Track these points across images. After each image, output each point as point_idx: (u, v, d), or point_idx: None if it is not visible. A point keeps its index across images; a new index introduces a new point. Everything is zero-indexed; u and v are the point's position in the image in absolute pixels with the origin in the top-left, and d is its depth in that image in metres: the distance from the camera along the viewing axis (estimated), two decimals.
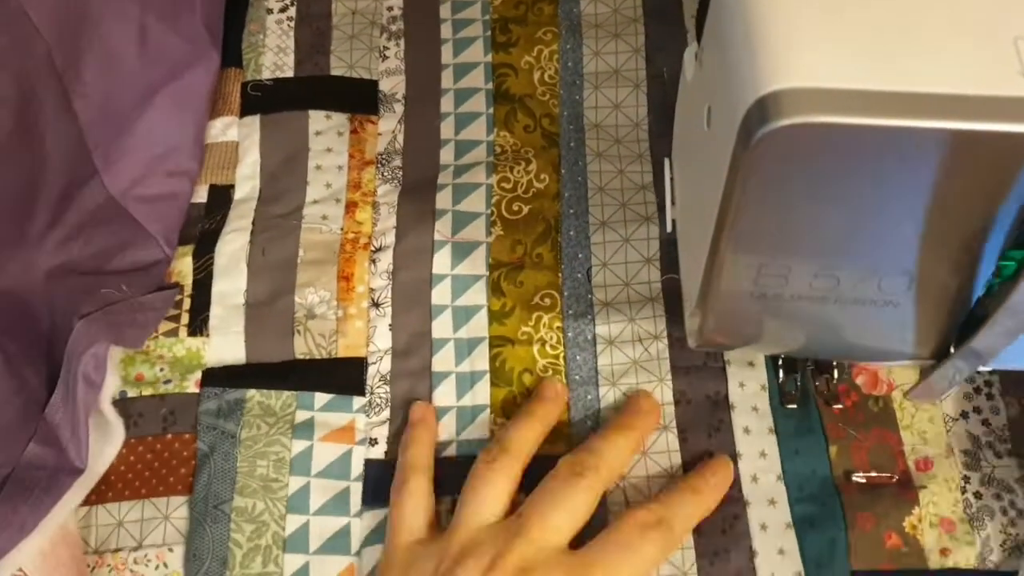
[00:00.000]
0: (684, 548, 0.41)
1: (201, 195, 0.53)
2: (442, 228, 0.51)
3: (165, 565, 0.42)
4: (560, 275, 0.49)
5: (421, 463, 0.41)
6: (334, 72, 0.56)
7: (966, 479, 0.42)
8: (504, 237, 0.50)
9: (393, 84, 0.56)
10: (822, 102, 0.24)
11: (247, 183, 0.52)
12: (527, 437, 0.41)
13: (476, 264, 0.49)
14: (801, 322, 0.35)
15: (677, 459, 0.43)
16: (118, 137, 0.50)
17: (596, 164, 0.52)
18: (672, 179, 0.44)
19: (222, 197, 0.52)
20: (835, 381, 0.43)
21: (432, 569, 0.36)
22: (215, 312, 0.48)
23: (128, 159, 0.50)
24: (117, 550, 0.42)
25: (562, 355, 0.46)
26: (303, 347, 0.47)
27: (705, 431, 0.44)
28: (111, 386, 0.44)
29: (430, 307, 0.48)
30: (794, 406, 0.43)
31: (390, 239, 0.51)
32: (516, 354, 0.47)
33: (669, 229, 0.43)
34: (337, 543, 0.42)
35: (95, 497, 0.43)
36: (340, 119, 0.54)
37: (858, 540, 0.41)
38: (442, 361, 0.47)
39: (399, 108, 0.55)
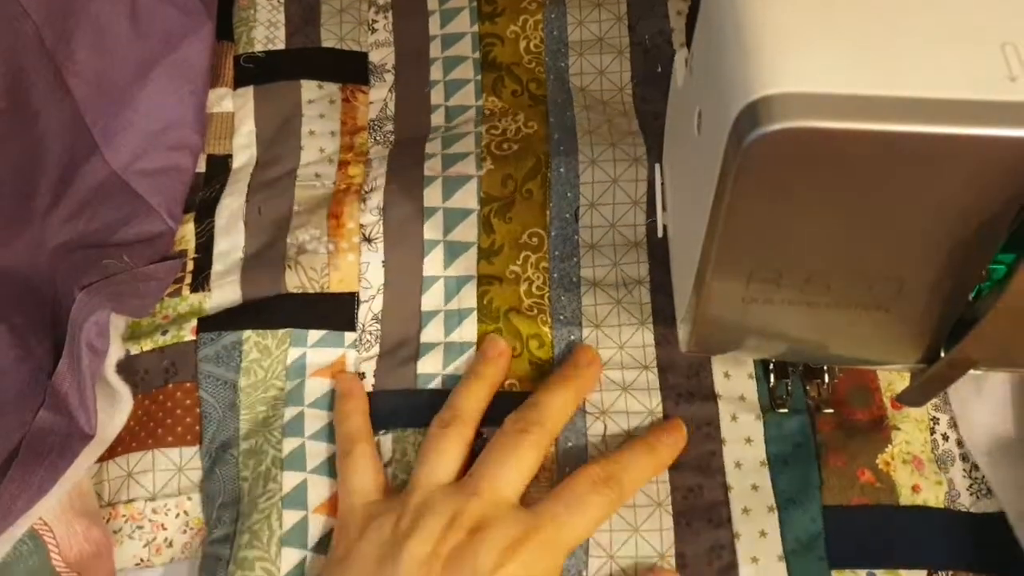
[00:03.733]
0: (659, 482, 0.41)
1: (200, 165, 0.52)
2: (433, 166, 0.50)
3: (185, 513, 0.43)
4: (548, 213, 0.48)
5: (361, 432, 0.42)
6: (325, 45, 0.56)
7: (935, 420, 0.42)
8: (495, 171, 0.49)
9: (382, 55, 0.56)
10: (812, 107, 0.24)
11: (244, 152, 0.53)
12: (477, 397, 0.42)
13: (467, 198, 0.49)
14: (792, 327, 0.34)
15: (657, 397, 0.43)
16: (117, 112, 0.49)
17: (584, 115, 0.51)
18: (663, 184, 0.43)
19: (220, 166, 0.53)
20: (825, 385, 0.43)
21: (391, 527, 0.37)
22: (216, 269, 0.48)
23: (128, 134, 0.49)
24: (131, 500, 0.43)
25: (547, 295, 0.46)
26: (295, 281, 0.47)
27: (685, 373, 0.44)
28: (115, 354, 0.44)
29: (422, 242, 0.48)
30: (784, 410, 0.43)
31: (380, 182, 0.50)
32: (503, 293, 0.46)
33: (660, 234, 0.43)
34: (331, 467, 0.42)
35: (105, 453, 0.43)
36: (332, 88, 0.54)
37: (831, 476, 0.41)
38: (431, 299, 0.47)
39: (389, 78, 0.55)
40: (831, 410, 0.42)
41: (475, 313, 0.46)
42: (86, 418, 0.41)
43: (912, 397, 0.36)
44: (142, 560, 0.42)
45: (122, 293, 0.44)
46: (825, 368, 0.43)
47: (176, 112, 0.51)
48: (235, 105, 0.54)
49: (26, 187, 0.46)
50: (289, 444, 0.43)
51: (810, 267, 0.30)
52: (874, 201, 0.26)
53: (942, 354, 0.33)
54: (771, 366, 0.43)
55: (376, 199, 0.49)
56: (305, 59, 0.55)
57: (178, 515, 0.43)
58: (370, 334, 0.47)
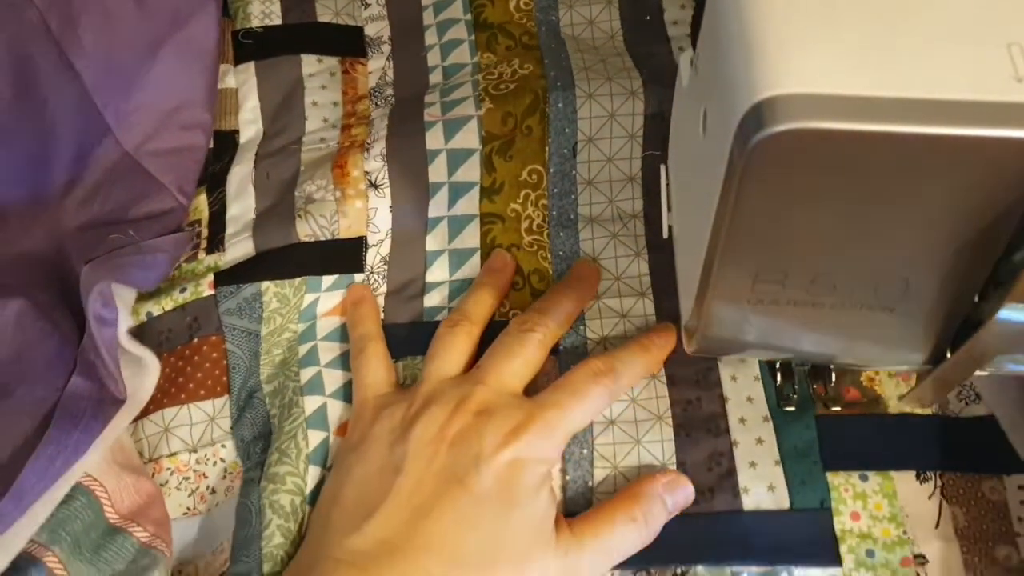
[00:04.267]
0: (659, 397, 0.42)
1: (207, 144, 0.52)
2: (432, 112, 0.50)
3: (222, 460, 0.43)
4: (547, 150, 0.48)
5: (373, 332, 0.44)
6: (320, 20, 0.55)
7: None
8: (494, 110, 0.49)
9: (378, 28, 0.55)
10: (818, 108, 0.23)
11: (250, 127, 0.53)
12: (482, 303, 0.44)
13: (469, 138, 0.48)
14: (798, 327, 0.33)
15: (651, 307, 0.45)
16: (127, 94, 0.48)
17: (579, 56, 0.51)
18: (668, 185, 0.42)
19: (228, 142, 0.52)
20: (832, 384, 0.42)
21: (401, 414, 0.39)
22: (229, 231, 0.48)
23: (140, 115, 0.48)
24: (173, 454, 0.43)
25: (546, 232, 0.47)
26: (307, 230, 0.47)
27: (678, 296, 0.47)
28: (125, 323, 0.44)
29: (427, 185, 0.48)
30: (792, 408, 0.42)
31: (383, 133, 0.50)
32: (504, 231, 0.47)
33: (666, 235, 0.42)
34: (348, 392, 0.43)
35: (140, 413, 0.44)
36: (331, 62, 0.54)
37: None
38: (435, 240, 0.48)
39: (386, 48, 0.55)
40: (838, 408, 0.42)
41: (478, 252, 0.47)
42: (115, 384, 0.42)
43: (918, 398, 0.36)
44: (189, 509, 0.43)
45: (125, 265, 0.43)
46: (831, 368, 0.42)
47: (187, 91, 0.50)
48: (237, 81, 0.53)
49: (41, 173, 0.46)
50: (306, 374, 0.44)
51: (815, 268, 0.29)
52: (879, 202, 0.26)
53: (948, 355, 0.32)
54: (777, 366, 0.42)
55: (379, 147, 0.49)
56: (303, 34, 0.55)
57: (215, 463, 0.44)
58: (378, 275, 0.47)
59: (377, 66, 0.54)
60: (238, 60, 0.54)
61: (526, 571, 0.36)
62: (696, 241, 0.32)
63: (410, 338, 0.45)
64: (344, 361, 0.45)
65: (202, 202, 0.50)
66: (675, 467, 0.41)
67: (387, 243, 0.48)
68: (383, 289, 0.47)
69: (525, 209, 0.48)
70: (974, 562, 0.39)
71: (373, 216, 0.48)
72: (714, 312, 0.33)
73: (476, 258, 0.47)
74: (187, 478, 0.43)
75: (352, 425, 0.42)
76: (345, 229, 0.48)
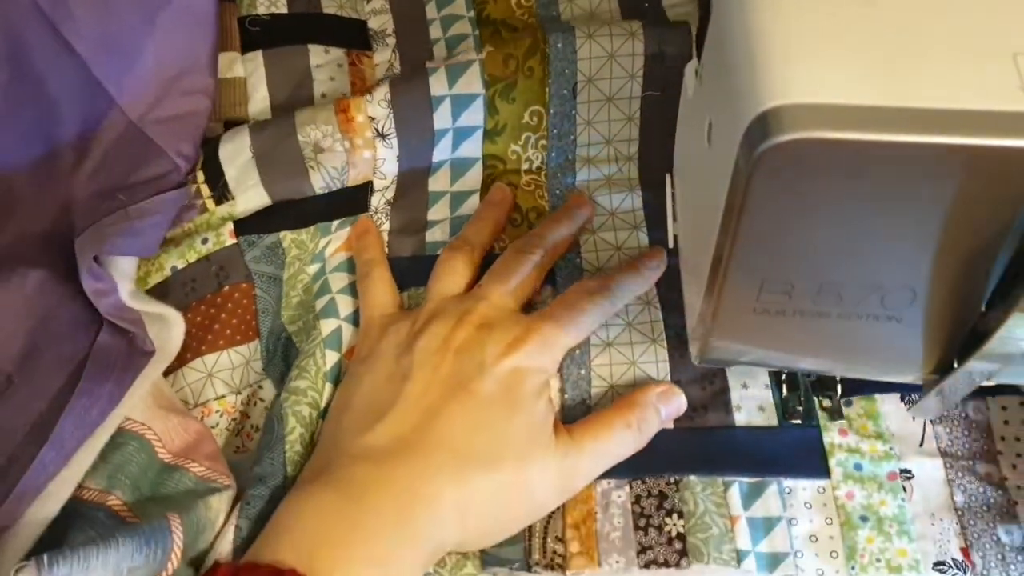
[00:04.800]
0: (653, 321, 0.44)
1: (219, 132, 0.50)
2: (435, 63, 0.49)
3: (261, 400, 0.44)
4: (548, 91, 0.48)
5: (378, 258, 0.45)
6: (326, 11, 0.53)
7: None
8: (495, 53, 0.48)
9: (381, 22, 0.53)
10: (823, 117, 0.22)
11: (261, 117, 0.51)
12: (482, 230, 0.46)
13: (472, 82, 0.48)
14: (804, 338, 0.32)
15: (645, 239, 0.46)
16: (128, 64, 0.47)
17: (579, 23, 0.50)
18: (673, 195, 0.41)
19: None
20: (838, 396, 0.42)
21: (407, 330, 0.41)
22: (230, 174, 0.47)
23: (142, 84, 0.47)
24: (220, 397, 0.44)
25: (544, 173, 0.48)
26: (320, 182, 0.47)
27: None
28: (126, 289, 0.43)
29: (433, 132, 0.48)
30: (798, 422, 0.41)
31: (384, 83, 0.49)
32: (505, 172, 0.48)
33: (671, 245, 0.41)
34: (359, 317, 0.44)
35: (177, 363, 0.44)
36: (338, 53, 0.52)
37: None
38: (438, 182, 0.48)
39: (391, 41, 0.53)
40: (843, 421, 0.42)
41: (478, 193, 0.48)
42: (142, 338, 0.43)
43: (926, 409, 0.36)
44: (238, 448, 0.44)
45: (111, 236, 0.42)
46: (838, 379, 0.41)
47: (188, 57, 0.48)
48: (246, 70, 0.51)
49: (48, 149, 0.45)
50: (321, 302, 0.45)
51: (821, 277, 0.29)
52: (885, 211, 0.25)
53: (955, 365, 0.31)
54: (783, 377, 0.41)
55: (382, 92, 0.48)
56: (310, 24, 0.53)
57: (256, 403, 0.44)
58: (382, 214, 0.48)
59: (383, 59, 0.53)
60: (245, 48, 0.52)
61: (528, 467, 0.37)
62: (701, 251, 0.31)
63: (412, 269, 0.46)
64: (354, 289, 0.45)
65: (199, 166, 0.49)
66: (660, 305, 0.44)
67: (392, 188, 0.49)
68: (386, 227, 0.48)
69: (525, 151, 0.48)
70: (957, 478, 0.40)
71: (380, 166, 0.48)
72: (719, 322, 0.32)
73: (476, 198, 0.48)
74: (234, 419, 0.44)
75: (360, 342, 0.43)
76: (353, 179, 0.48)
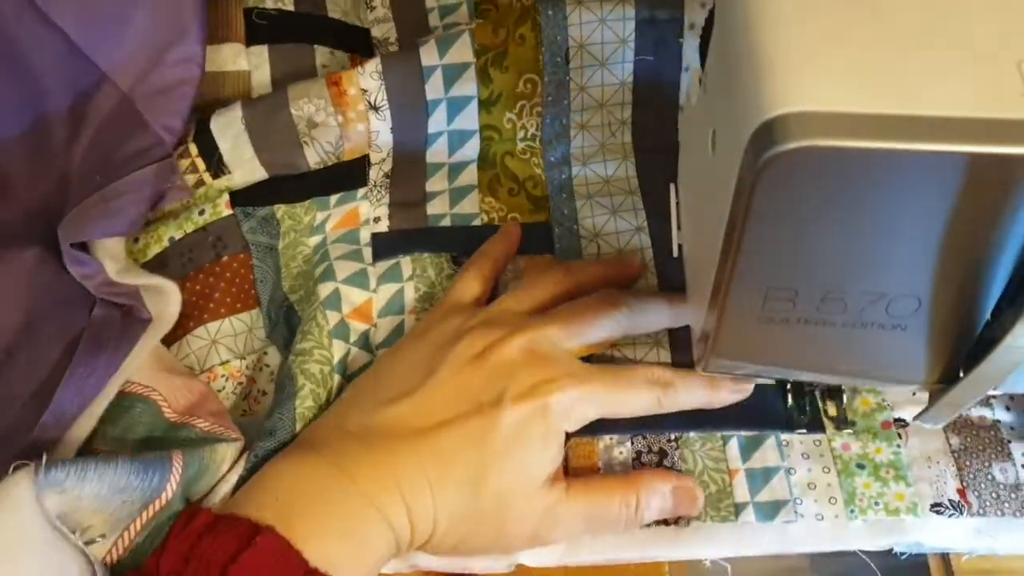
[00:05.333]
0: (638, 209, 0.46)
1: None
2: (426, 38, 0.47)
3: (267, 365, 0.44)
4: (541, 59, 0.47)
5: (489, 252, 0.44)
6: (331, 15, 0.52)
7: None
8: (485, 23, 0.47)
9: (384, 31, 0.52)
10: (827, 126, 0.22)
11: None
12: (498, 251, 0.44)
13: (463, 52, 0.47)
14: (809, 346, 0.31)
15: (642, 215, 0.46)
16: (115, 36, 0.45)
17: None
18: (678, 204, 0.40)
19: None
20: (844, 404, 0.41)
21: (459, 323, 0.40)
22: (223, 147, 0.46)
23: (130, 54, 0.45)
24: (224, 362, 0.44)
25: (540, 139, 0.48)
26: (315, 157, 0.47)
27: (664, 195, 0.44)
28: (114, 268, 0.42)
29: (425, 102, 0.48)
30: (803, 430, 0.41)
31: (376, 58, 0.48)
32: (500, 142, 0.48)
33: (676, 254, 0.40)
34: (357, 280, 0.44)
35: (180, 332, 0.44)
36: (342, 57, 0.51)
37: None
38: (436, 153, 0.48)
39: (394, 49, 0.52)
40: (850, 430, 0.41)
41: (475, 163, 0.48)
42: (138, 309, 0.42)
43: (933, 418, 0.36)
44: (245, 411, 0.43)
45: (87, 221, 0.41)
46: (843, 387, 0.40)
47: (176, 26, 0.46)
48: (251, 64, 0.50)
49: (39, 126, 0.43)
50: (320, 269, 0.45)
51: (826, 286, 0.28)
52: (890, 219, 0.24)
53: (961, 374, 0.31)
54: (788, 385, 0.40)
55: (373, 64, 0.47)
56: (316, 25, 0.51)
57: (262, 368, 0.44)
58: (381, 187, 0.47)
59: None
60: (250, 41, 0.50)
61: (507, 507, 0.36)
62: (706, 260, 0.30)
63: (416, 239, 0.46)
64: (352, 256, 0.45)
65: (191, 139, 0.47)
66: (647, 230, 0.45)
67: (388, 161, 0.48)
68: (386, 199, 0.47)
69: (520, 119, 0.48)
70: (952, 423, 0.40)
71: (375, 139, 0.48)
72: (724, 330, 0.31)
73: (473, 167, 0.48)
74: (240, 383, 0.44)
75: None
76: (349, 153, 0.48)
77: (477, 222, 0.46)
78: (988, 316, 0.28)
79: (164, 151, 0.45)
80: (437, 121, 0.48)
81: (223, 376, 0.45)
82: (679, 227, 0.39)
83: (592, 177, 0.48)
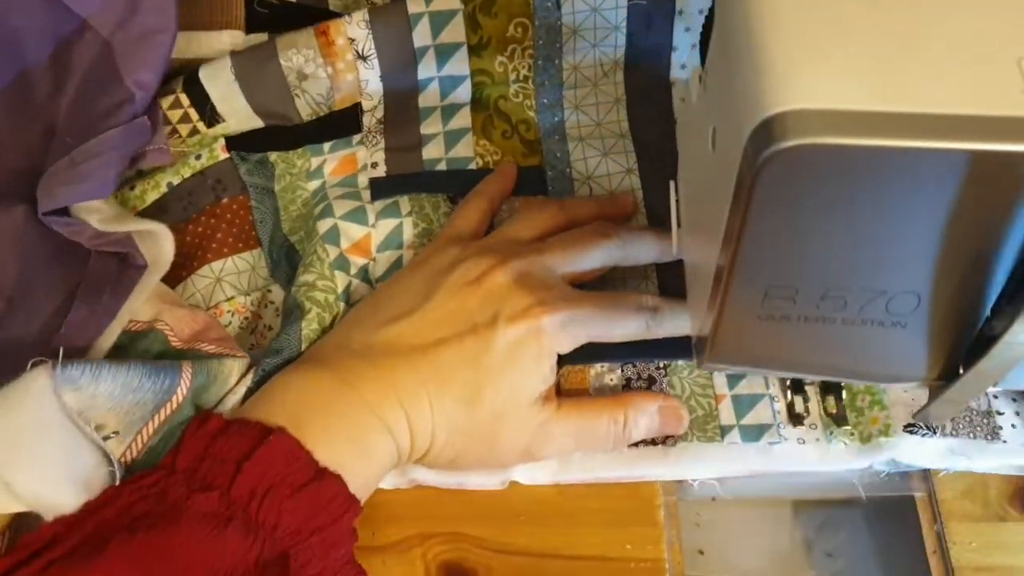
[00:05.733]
0: (624, 137, 0.45)
1: None
2: None
3: (272, 302, 0.45)
4: (531, 2, 0.46)
5: (487, 191, 0.45)
6: (332, 8, 0.50)
7: None
8: None
9: None
10: (827, 123, 0.22)
11: None
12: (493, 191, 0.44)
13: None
14: (809, 344, 0.31)
15: (632, 158, 0.47)
16: None
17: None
18: (677, 201, 0.38)
19: None
20: (843, 401, 0.40)
21: (456, 252, 0.41)
22: (214, 95, 0.46)
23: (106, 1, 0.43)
24: (230, 298, 0.44)
25: (532, 81, 0.47)
26: (306, 109, 0.47)
27: (657, 135, 0.46)
28: (98, 219, 0.42)
29: (413, 50, 0.47)
30: (803, 427, 0.41)
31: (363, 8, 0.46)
32: (493, 85, 0.47)
33: (675, 251, 0.39)
34: (356, 215, 0.44)
35: (184, 272, 0.44)
36: None
37: None
38: (428, 98, 0.47)
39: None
40: (848, 427, 0.41)
41: (468, 105, 0.47)
42: (133, 255, 0.42)
43: (933, 416, 0.36)
44: (253, 345, 0.44)
45: (62, 183, 0.41)
46: (842, 384, 0.40)
47: None
48: None
49: (21, 81, 0.43)
50: (319, 208, 0.45)
51: (826, 283, 0.27)
52: (889, 217, 0.24)
53: (960, 371, 0.30)
54: (788, 382, 0.40)
55: (360, 14, 0.46)
56: (318, 18, 0.49)
57: (267, 305, 0.45)
58: (376, 133, 0.47)
59: None
60: (250, 29, 0.49)
61: (505, 419, 0.37)
62: (706, 258, 0.29)
63: (414, 181, 0.46)
64: (349, 196, 0.45)
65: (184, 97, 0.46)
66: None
67: (380, 108, 0.48)
68: (382, 144, 0.47)
69: (511, 61, 0.47)
70: None
71: (365, 87, 0.47)
72: (724, 328, 0.30)
73: (467, 111, 0.47)
74: (246, 318, 0.45)
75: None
76: (340, 102, 0.47)
77: (472, 166, 0.46)
78: (988, 313, 0.28)
79: (133, 110, 0.44)
80: (427, 67, 0.47)
81: (229, 312, 0.45)
82: (679, 224, 0.39)
83: (584, 120, 0.48)
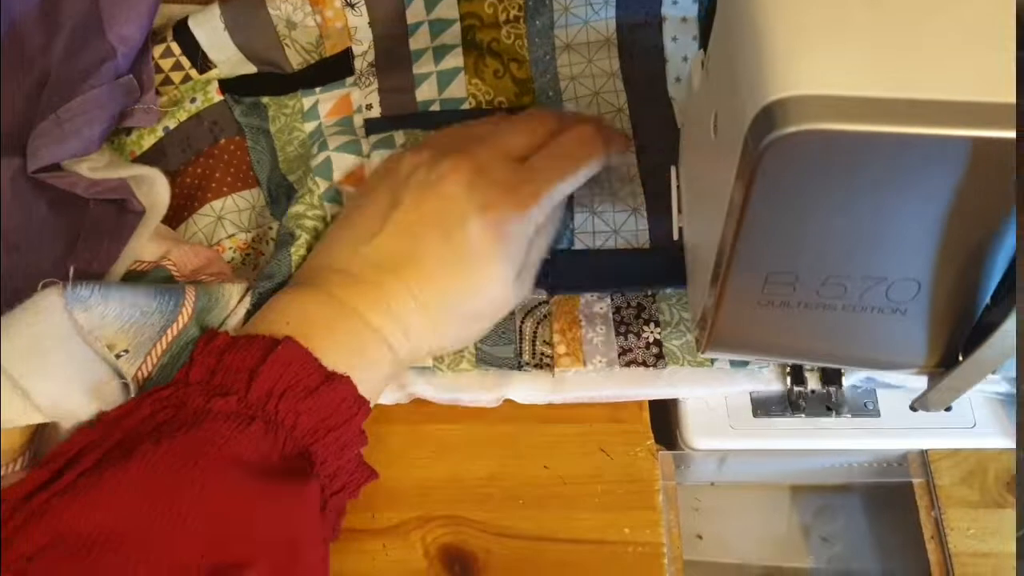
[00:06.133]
0: (618, 91, 0.45)
1: None
2: None
3: (272, 240, 0.45)
4: None
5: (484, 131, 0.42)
6: None
7: None
8: None
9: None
10: (828, 109, 0.22)
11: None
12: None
13: None
14: (809, 330, 0.30)
15: (623, 96, 0.47)
16: None
17: None
18: (679, 187, 0.38)
19: None
20: (842, 389, 0.40)
21: (410, 161, 0.41)
22: (204, 43, 0.46)
23: None
24: (231, 235, 0.44)
25: (523, 20, 0.47)
26: (297, 59, 0.47)
27: (645, 82, 0.46)
28: (86, 169, 0.42)
29: None
30: (802, 415, 0.41)
31: None
32: (483, 27, 0.46)
33: (676, 237, 0.39)
34: (350, 147, 0.44)
35: (185, 212, 0.45)
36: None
37: None
38: (418, 41, 0.47)
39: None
40: (848, 413, 0.40)
41: (460, 47, 0.46)
42: (131, 202, 0.42)
43: (932, 402, 0.36)
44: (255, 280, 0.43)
45: (47, 144, 0.41)
46: (841, 372, 0.39)
47: None
48: None
49: (12, 32, 0.43)
50: (313, 143, 0.45)
51: (826, 269, 0.27)
52: (890, 203, 0.24)
53: (960, 358, 0.30)
54: (788, 368, 0.39)
55: None
56: None
57: (268, 242, 0.45)
58: (369, 75, 0.47)
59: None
60: None
61: (488, 305, 0.39)
62: (707, 243, 0.29)
63: (410, 120, 0.46)
64: (342, 131, 0.45)
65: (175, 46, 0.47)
66: (628, 116, 0.45)
67: (371, 51, 0.47)
68: (375, 85, 0.47)
69: (501, 1, 0.47)
70: None
71: (355, 33, 0.47)
72: (725, 314, 0.30)
73: (458, 51, 0.47)
74: (248, 254, 0.45)
75: (376, 169, 0.43)
76: (331, 48, 0.47)
77: (465, 106, 0.47)
78: (988, 300, 0.28)
79: (116, 67, 0.44)
80: (415, 12, 0.47)
81: (231, 248, 0.46)
82: (680, 210, 0.39)
83: (576, 59, 0.47)
